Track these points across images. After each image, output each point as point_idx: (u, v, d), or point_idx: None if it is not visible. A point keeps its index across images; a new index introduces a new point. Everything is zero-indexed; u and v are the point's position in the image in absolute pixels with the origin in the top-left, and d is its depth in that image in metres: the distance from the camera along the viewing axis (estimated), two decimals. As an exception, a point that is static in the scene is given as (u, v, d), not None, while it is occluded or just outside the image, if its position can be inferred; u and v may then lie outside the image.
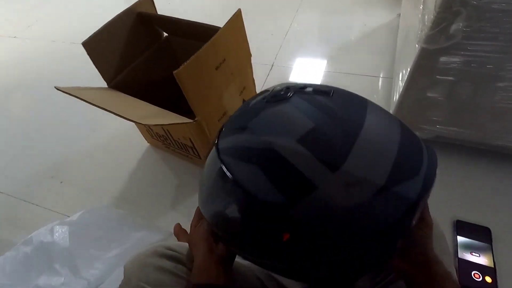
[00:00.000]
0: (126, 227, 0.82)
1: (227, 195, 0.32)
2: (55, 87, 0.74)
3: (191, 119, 0.75)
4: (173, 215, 0.95)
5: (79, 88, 0.79)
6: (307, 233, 0.28)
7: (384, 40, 1.36)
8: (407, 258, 0.34)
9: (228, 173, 0.31)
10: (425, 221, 0.36)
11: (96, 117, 1.27)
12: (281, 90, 0.33)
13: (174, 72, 0.64)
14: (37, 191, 1.07)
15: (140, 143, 1.14)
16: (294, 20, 1.56)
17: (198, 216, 0.49)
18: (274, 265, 0.35)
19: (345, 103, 0.32)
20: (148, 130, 1.03)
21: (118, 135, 1.20)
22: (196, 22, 0.85)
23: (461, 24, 0.59)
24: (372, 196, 0.27)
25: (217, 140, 0.34)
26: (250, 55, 0.90)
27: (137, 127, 1.07)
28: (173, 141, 0.97)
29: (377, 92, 1.17)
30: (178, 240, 0.83)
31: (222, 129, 0.35)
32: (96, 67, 0.84)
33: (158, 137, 1.01)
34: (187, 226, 0.87)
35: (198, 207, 0.46)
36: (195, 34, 0.90)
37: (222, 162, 0.32)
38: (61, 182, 1.09)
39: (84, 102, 0.68)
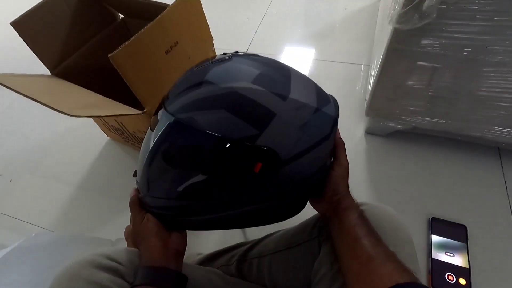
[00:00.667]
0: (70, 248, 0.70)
1: (195, 153, 0.34)
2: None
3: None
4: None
5: (12, 76, 0.69)
6: (274, 157, 0.33)
7: (365, 24, 1.28)
8: (326, 199, 0.41)
9: (194, 128, 0.33)
10: (339, 161, 0.41)
11: (45, 108, 1.17)
12: (221, 56, 0.39)
13: (109, 55, 0.55)
14: (-18, 190, 0.97)
15: (99, 137, 1.05)
16: (271, 3, 1.46)
17: (139, 212, 0.42)
18: (242, 213, 0.37)
19: (270, 60, 0.40)
20: (103, 123, 0.94)
21: (72, 128, 1.10)
22: (153, 1, 0.76)
23: (434, 0, 0.51)
24: (311, 115, 0.36)
25: (164, 108, 0.36)
26: (212, 39, 0.81)
27: (94, 120, 0.98)
28: (130, 135, 0.88)
29: (359, 80, 1.10)
30: (128, 244, 0.76)
31: (167, 97, 0.37)
32: (33, 51, 0.74)
33: (114, 130, 0.92)
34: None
35: (133, 203, 0.43)
36: (153, 15, 0.81)
37: (182, 121, 0.34)
38: (10, 181, 0.99)
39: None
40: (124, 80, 0.60)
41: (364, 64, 1.15)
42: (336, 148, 0.42)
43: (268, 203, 0.37)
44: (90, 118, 0.98)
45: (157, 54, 0.64)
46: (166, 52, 0.66)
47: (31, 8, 0.70)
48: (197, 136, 0.33)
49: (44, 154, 1.05)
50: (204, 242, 0.79)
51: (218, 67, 0.36)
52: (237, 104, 0.33)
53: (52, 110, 0.54)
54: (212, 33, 0.81)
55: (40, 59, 0.76)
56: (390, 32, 0.64)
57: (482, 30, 0.57)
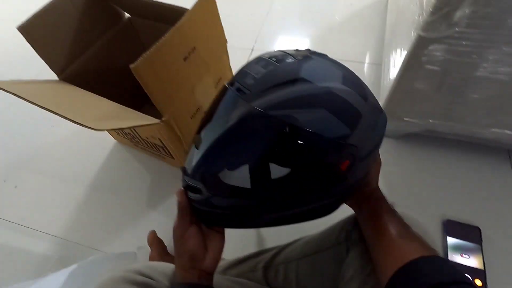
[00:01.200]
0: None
1: (292, 149, 0.33)
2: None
3: (158, 116, 0.65)
4: (149, 217, 0.86)
5: (21, 83, 0.66)
6: (356, 155, 0.35)
7: (371, 21, 1.27)
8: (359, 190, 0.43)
9: (295, 125, 0.32)
10: (376, 160, 0.44)
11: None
12: (296, 51, 0.38)
13: (131, 66, 0.52)
14: (-14, 198, 0.94)
15: (106, 140, 1.02)
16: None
17: (187, 221, 0.39)
18: (310, 209, 0.37)
19: (336, 61, 0.40)
20: (110, 129, 0.91)
21: (78, 131, 1.06)
22: (160, 2, 0.73)
23: (467, 10, 0.51)
24: (379, 116, 0.38)
25: (249, 106, 0.33)
26: (226, 41, 0.79)
27: (100, 123, 0.95)
28: (141, 140, 0.86)
29: (364, 80, 1.08)
30: (151, 251, 0.76)
31: (241, 91, 0.34)
32: (41, 56, 0.70)
33: (124, 134, 0.90)
34: (164, 230, 0.80)
35: (184, 209, 0.39)
36: (161, 15, 0.78)
37: (280, 118, 0.32)
38: (15, 187, 0.96)
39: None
40: (146, 90, 0.57)
41: (368, 63, 1.15)
42: None
43: (334, 199, 0.38)
44: (97, 122, 0.95)
45: (176, 62, 0.62)
46: (185, 59, 0.64)
47: (37, 11, 0.66)
48: (299, 134, 0.32)
49: (48, 158, 1.02)
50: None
51: (308, 65, 0.36)
52: (335, 103, 0.33)
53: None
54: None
55: (47, 64, 0.72)
56: (413, 39, 0.63)
57: (503, 39, 0.57)
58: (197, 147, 0.37)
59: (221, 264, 0.70)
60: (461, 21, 0.53)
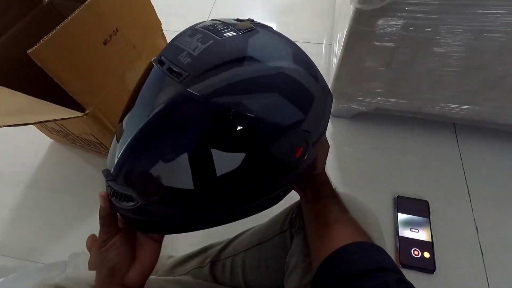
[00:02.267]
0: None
1: (238, 139, 0.28)
2: None
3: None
4: (91, 222, 0.79)
5: None
6: (308, 141, 0.32)
7: (323, 2, 1.24)
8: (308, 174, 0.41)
9: (242, 113, 0.27)
10: (322, 142, 0.40)
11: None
12: (237, 21, 0.33)
13: (29, 51, 0.45)
14: None
15: (41, 140, 0.92)
16: (226, -22, 1.35)
17: (110, 231, 0.33)
18: (263, 202, 0.33)
19: (282, 34, 0.35)
20: (43, 125, 0.82)
21: (10, 133, 0.95)
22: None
23: (397, -22, 0.48)
24: (327, 97, 0.35)
25: (183, 85, 0.27)
26: (160, 23, 0.72)
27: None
28: (76, 137, 0.78)
29: (322, 61, 1.07)
30: (91, 255, 0.70)
31: (178, 73, 0.27)
32: None
33: (56, 132, 0.81)
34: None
35: (107, 218, 0.33)
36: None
37: (223, 106, 0.26)
38: None
39: None
40: (55, 79, 0.50)
41: (325, 43, 1.12)
42: None
43: (285, 188, 0.35)
44: (25, 120, 0.85)
45: (93, 45, 0.55)
46: (105, 42, 0.56)
47: None
48: (249, 123, 0.27)
49: (-27, 165, 0.91)
50: (175, 244, 0.75)
51: (254, 39, 0.30)
52: (287, 86, 0.29)
53: None
54: (161, 14, 0.72)
55: None
56: (351, 13, 0.61)
57: (442, 9, 0.55)
58: (118, 140, 0.31)
59: (169, 261, 0.66)
60: (393, -9, 0.50)
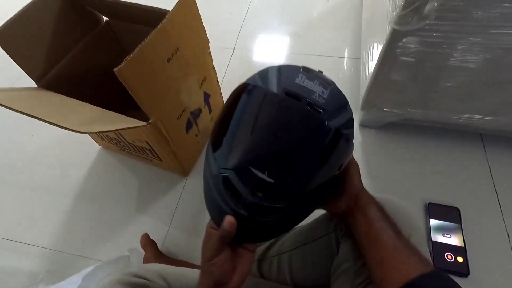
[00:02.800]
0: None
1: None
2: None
3: (144, 118, 0.65)
4: (138, 222, 0.86)
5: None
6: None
7: (347, 17, 1.30)
8: (345, 194, 0.43)
9: (349, 139, 0.38)
10: (351, 161, 0.44)
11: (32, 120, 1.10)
12: (323, 75, 0.40)
13: (115, 69, 0.52)
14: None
15: (90, 146, 1.00)
16: (253, -3, 1.44)
17: (217, 251, 0.35)
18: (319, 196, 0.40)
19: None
20: (97, 132, 0.89)
21: (63, 139, 1.04)
22: (138, 4, 0.72)
23: (435, 4, 0.54)
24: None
25: (325, 124, 0.35)
26: (208, 42, 0.79)
27: (83, 129, 0.93)
28: (127, 144, 0.85)
29: (343, 73, 1.13)
30: (145, 253, 0.76)
31: (323, 109, 0.36)
32: (18, 64, 0.68)
33: (109, 139, 0.88)
34: (156, 233, 0.80)
35: (218, 241, 0.35)
36: (139, 18, 0.77)
37: (346, 135, 0.37)
38: (-4, 200, 0.93)
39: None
40: (131, 93, 0.57)
41: (347, 57, 1.18)
42: None
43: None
44: (80, 128, 0.93)
45: (160, 63, 0.62)
46: (168, 60, 0.64)
47: (12, 17, 0.64)
48: (351, 145, 0.39)
49: (30, 168, 0.99)
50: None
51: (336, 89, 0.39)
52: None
53: (43, 122, 0.51)
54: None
55: (25, 71, 0.70)
56: (387, 33, 0.66)
57: (473, 29, 0.60)
58: (269, 175, 0.34)
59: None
60: (431, 14, 0.56)
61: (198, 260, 0.73)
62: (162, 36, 0.60)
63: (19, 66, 0.69)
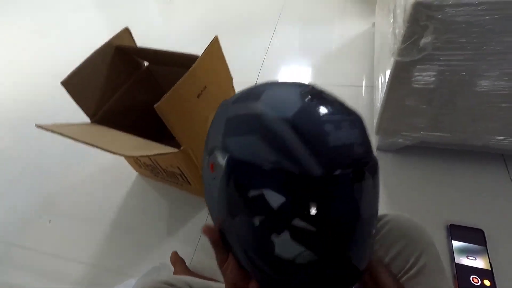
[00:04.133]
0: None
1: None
2: (36, 125, 0.73)
3: (176, 146, 0.75)
4: (169, 242, 0.93)
5: (61, 125, 0.78)
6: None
7: (362, 49, 1.39)
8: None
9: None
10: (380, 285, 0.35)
11: (80, 152, 1.26)
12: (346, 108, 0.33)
13: (155, 106, 0.64)
14: (23, 232, 1.04)
15: (128, 173, 1.13)
16: (274, 35, 1.59)
17: (222, 253, 0.36)
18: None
19: None
20: (136, 161, 1.02)
21: (105, 167, 1.18)
22: (174, 52, 0.86)
23: (430, 37, 0.60)
24: None
25: (372, 177, 0.30)
26: (231, 78, 0.91)
27: (125, 159, 1.06)
28: (161, 170, 0.96)
29: (362, 101, 1.19)
30: (175, 269, 0.82)
31: (369, 165, 0.30)
32: (78, 104, 0.83)
33: (146, 166, 1.00)
34: (184, 253, 0.87)
35: (216, 245, 0.36)
36: (174, 62, 0.91)
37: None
38: (49, 222, 1.06)
39: (69, 139, 0.67)
40: (167, 125, 0.68)
41: (365, 86, 1.25)
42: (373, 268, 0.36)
43: None
44: (121, 159, 1.06)
45: (191, 99, 0.73)
46: (198, 96, 0.75)
47: (77, 67, 0.80)
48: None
49: (77, 194, 1.13)
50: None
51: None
52: None
53: (96, 149, 0.62)
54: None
55: (83, 110, 0.85)
56: (392, 63, 0.73)
57: (471, 57, 0.66)
58: (350, 259, 0.30)
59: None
60: (428, 46, 0.62)
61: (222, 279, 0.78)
62: (192, 77, 0.72)
63: (79, 106, 0.84)
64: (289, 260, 0.29)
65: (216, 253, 0.36)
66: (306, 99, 0.31)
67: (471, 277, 0.71)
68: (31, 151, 1.31)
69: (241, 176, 0.29)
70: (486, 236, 0.77)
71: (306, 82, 0.35)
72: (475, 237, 0.77)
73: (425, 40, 0.61)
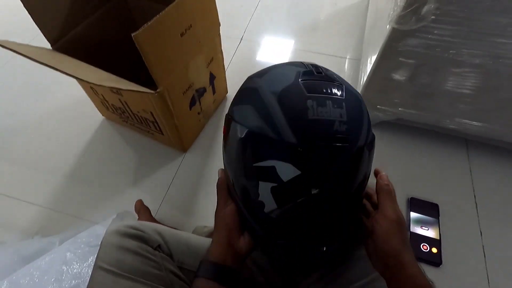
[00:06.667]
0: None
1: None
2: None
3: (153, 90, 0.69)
4: (133, 192, 0.89)
5: (22, 45, 0.67)
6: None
7: (353, 21, 1.36)
8: (378, 259, 0.37)
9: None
10: (384, 213, 0.38)
11: (40, 84, 1.12)
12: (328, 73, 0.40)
13: (133, 34, 0.56)
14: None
15: (93, 116, 1.03)
16: (265, -7, 1.49)
17: (225, 198, 0.42)
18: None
19: None
20: (102, 102, 0.93)
21: (67, 106, 1.07)
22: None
23: (432, 6, 0.59)
24: None
25: (354, 150, 0.35)
26: (219, 24, 0.83)
27: (90, 97, 0.96)
28: (131, 115, 0.88)
29: (344, 73, 1.18)
30: (139, 217, 0.79)
31: (348, 140, 0.34)
32: (36, 24, 0.71)
33: (114, 109, 0.92)
34: (149, 204, 0.83)
35: (220, 188, 0.43)
36: (157, -5, 0.81)
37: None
38: (2, 159, 0.95)
39: (28, 61, 0.57)
40: (144, 59, 0.61)
41: (349, 58, 1.23)
42: (379, 195, 0.41)
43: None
44: (86, 99, 0.96)
45: (174, 36, 0.66)
46: (181, 35, 0.68)
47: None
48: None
49: (35, 132, 1.02)
50: (205, 217, 0.83)
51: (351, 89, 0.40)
52: None
53: (68, 83, 0.54)
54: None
55: (42, 32, 0.74)
56: (387, 31, 0.71)
57: (464, 35, 0.66)
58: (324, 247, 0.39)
59: (205, 231, 0.74)
60: (428, 16, 0.61)
61: (194, 229, 0.77)
62: (178, 10, 0.64)
63: (37, 26, 0.72)
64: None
65: (218, 194, 0.42)
66: (300, 78, 0.35)
67: (422, 244, 0.78)
68: (-25, 79, 1.14)
69: (236, 133, 0.37)
70: (440, 210, 0.83)
71: (312, 63, 0.40)
72: (430, 210, 0.83)
73: (427, 8, 0.59)
